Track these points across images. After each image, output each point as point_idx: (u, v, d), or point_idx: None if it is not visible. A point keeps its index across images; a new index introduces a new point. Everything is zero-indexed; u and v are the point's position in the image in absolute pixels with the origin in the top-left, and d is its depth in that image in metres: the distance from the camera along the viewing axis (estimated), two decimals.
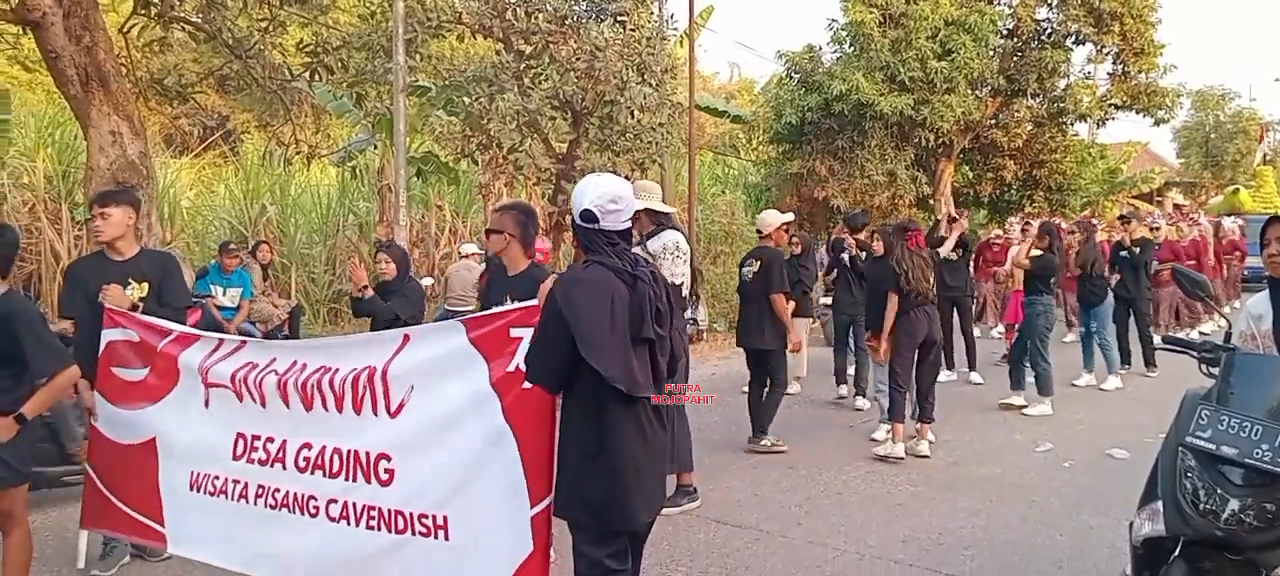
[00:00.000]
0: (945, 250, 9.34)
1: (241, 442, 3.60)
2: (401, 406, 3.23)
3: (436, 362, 3.20)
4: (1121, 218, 11.94)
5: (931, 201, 20.30)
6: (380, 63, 10.92)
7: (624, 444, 2.89)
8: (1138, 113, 21.15)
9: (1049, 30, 20.41)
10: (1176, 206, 25.76)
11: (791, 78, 20.15)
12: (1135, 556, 3.15)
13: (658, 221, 5.57)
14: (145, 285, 4.40)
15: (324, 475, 3.35)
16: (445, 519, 3.11)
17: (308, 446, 3.41)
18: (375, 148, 15.11)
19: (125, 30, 9.87)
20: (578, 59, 10.84)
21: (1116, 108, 21.02)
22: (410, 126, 12.53)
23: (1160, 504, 2.99)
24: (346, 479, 3.30)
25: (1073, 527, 5.30)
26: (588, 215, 2.94)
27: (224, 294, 9.01)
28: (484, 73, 11.15)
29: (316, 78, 10.73)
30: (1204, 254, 14.50)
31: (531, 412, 3.03)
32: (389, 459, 3.23)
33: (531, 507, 3.03)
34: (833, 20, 20.00)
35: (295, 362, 3.52)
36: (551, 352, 2.83)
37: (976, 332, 10.88)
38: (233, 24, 10.16)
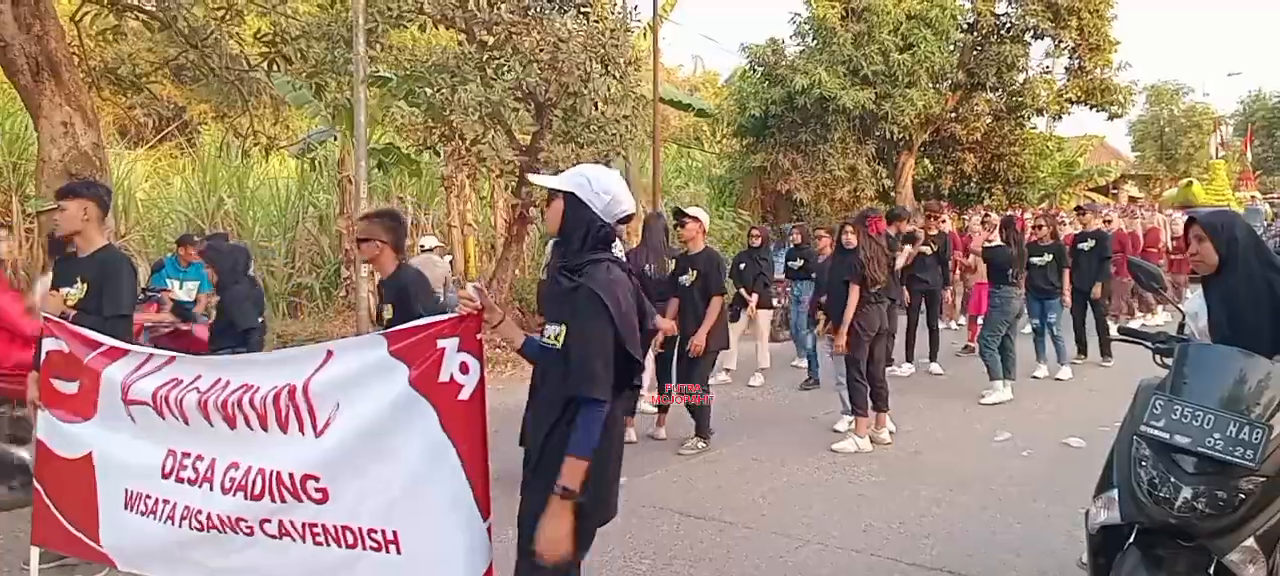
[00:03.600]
0: (899, 263, 9.36)
1: (170, 460, 3.46)
2: (327, 424, 3.12)
3: (360, 378, 3.09)
4: (1078, 209, 12.11)
5: (892, 194, 20.48)
6: (340, 53, 10.78)
7: (616, 438, 2.88)
8: (1093, 107, 21.53)
9: (1008, 25, 20.69)
10: (1131, 199, 26.22)
11: (755, 71, 20.22)
12: (1091, 543, 3.20)
13: None
14: (85, 285, 4.26)
15: (247, 497, 3.23)
16: (396, 533, 3.02)
17: (235, 466, 3.28)
18: (335, 139, 14.93)
19: (77, 18, 9.66)
20: (541, 50, 10.79)
21: (1073, 102, 21.38)
22: (371, 117, 12.39)
23: (1115, 492, 3.04)
24: (274, 500, 3.17)
25: (1030, 515, 5.38)
26: (626, 216, 2.93)
27: (181, 287, 8.84)
28: (446, 63, 11.05)
29: (275, 68, 10.58)
30: (1155, 245, 14.79)
31: (470, 425, 2.95)
32: (318, 479, 3.11)
33: (485, 519, 2.97)
34: (795, 14, 20.15)
35: (218, 380, 3.40)
36: (609, 362, 2.70)
37: (942, 325, 11.01)
38: (188, 12, 9.98)
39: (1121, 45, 20.99)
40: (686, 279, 6.96)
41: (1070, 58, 21.32)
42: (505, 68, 11.00)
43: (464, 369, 2.94)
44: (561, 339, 2.75)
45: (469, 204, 16.36)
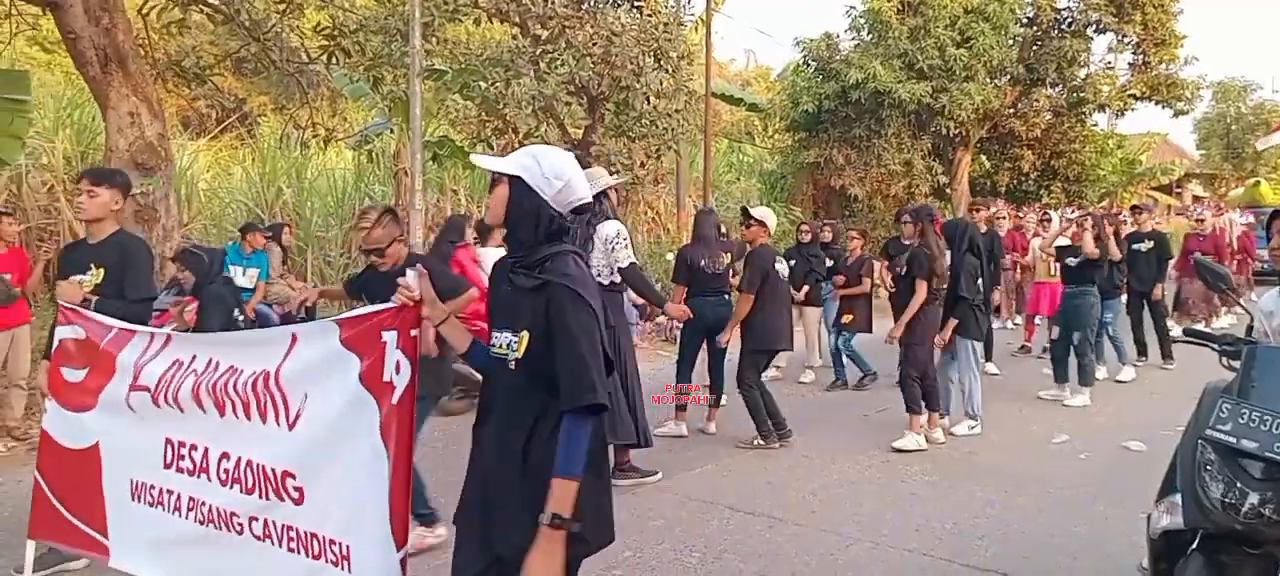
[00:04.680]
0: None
1: (170, 449, 3.31)
2: (298, 417, 2.89)
3: (320, 368, 2.85)
4: (1135, 208, 11.83)
5: (948, 190, 20.21)
6: (397, 46, 10.92)
7: (602, 449, 2.59)
8: (1158, 104, 21.02)
9: (1069, 19, 20.29)
10: (1196, 198, 25.56)
11: (809, 65, 20.06)
12: (1153, 548, 3.13)
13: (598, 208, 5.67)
14: (102, 270, 4.20)
15: (242, 490, 3.04)
16: (349, 548, 2.75)
17: (226, 456, 3.10)
18: (392, 132, 15.13)
19: (144, 12, 9.92)
20: (594, 44, 10.83)
21: (1136, 98, 20.90)
22: (426, 110, 12.52)
23: (1179, 496, 2.97)
24: (261, 497, 2.97)
25: (1088, 519, 5.28)
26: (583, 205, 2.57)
27: (243, 274, 9.04)
28: (500, 57, 11.15)
29: (334, 61, 10.75)
30: (1223, 246, 14.39)
31: (400, 435, 2.68)
32: (294, 476, 2.88)
33: (399, 549, 2.68)
34: (851, 7, 19.93)
35: (210, 361, 3.22)
36: (600, 363, 2.41)
37: (996, 324, 10.83)
38: (250, 6, 10.18)
39: (1187, 40, 20.46)
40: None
41: (1134, 53, 20.83)
42: (558, 62, 11.07)
43: (398, 368, 2.67)
44: (523, 346, 2.41)
45: None
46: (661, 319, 7.31)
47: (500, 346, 2.48)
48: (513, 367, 2.44)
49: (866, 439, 7.06)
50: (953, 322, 7.04)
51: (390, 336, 2.69)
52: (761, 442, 6.72)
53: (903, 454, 6.61)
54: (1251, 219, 18.07)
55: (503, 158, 2.57)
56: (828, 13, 56.29)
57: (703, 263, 6.96)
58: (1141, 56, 20.69)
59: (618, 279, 5.68)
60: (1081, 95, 20.59)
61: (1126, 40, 20.55)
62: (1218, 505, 2.78)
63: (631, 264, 5.67)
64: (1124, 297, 9.56)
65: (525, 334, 2.41)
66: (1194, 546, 2.94)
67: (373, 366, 2.70)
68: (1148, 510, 3.19)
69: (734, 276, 7.65)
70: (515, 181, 2.46)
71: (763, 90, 27.94)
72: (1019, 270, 12.61)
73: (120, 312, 3.99)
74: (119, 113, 8.19)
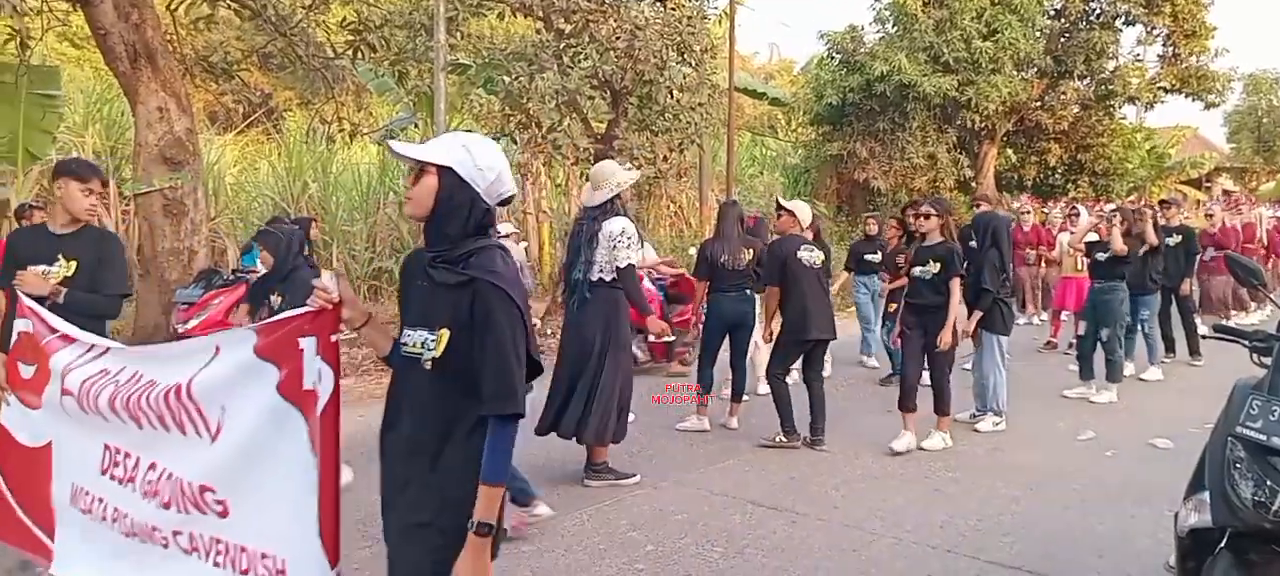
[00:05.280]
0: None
1: (107, 455, 3.14)
2: (219, 429, 2.73)
3: (236, 379, 2.69)
4: (1163, 202, 11.69)
5: (973, 184, 20.08)
6: (422, 41, 10.97)
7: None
8: (1188, 96, 20.76)
9: (1098, 10, 20.09)
10: (1226, 192, 25.23)
11: (833, 58, 19.99)
12: (1181, 546, 3.11)
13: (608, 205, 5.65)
14: (74, 264, 4.12)
15: (159, 504, 2.90)
16: (284, 563, 2.62)
17: (153, 467, 2.95)
18: (416, 126, 15.22)
19: (172, 8, 10.01)
20: (617, 38, 10.83)
21: (1166, 91, 20.65)
22: (450, 105, 12.59)
23: (1207, 494, 2.94)
24: (179, 510, 2.83)
25: (1114, 516, 5.23)
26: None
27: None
28: (524, 51, 11.18)
29: (359, 56, 10.81)
30: (1252, 241, 14.20)
31: (326, 447, 2.52)
32: (214, 490, 2.74)
33: (332, 568, 2.55)
34: (875, 0, 19.80)
35: (135, 374, 3.07)
36: (522, 368, 2.35)
37: (1021, 320, 10.74)
38: (277, 2, 10.26)
39: (1218, 31, 20.18)
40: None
41: (1163, 44, 20.58)
42: (582, 55, 11.07)
43: (320, 376, 2.52)
44: (441, 345, 2.31)
45: (544, 191, 16.53)
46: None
47: (413, 345, 2.37)
48: (428, 368, 2.33)
49: (891, 434, 7.02)
50: (977, 315, 6.98)
51: (308, 343, 2.52)
52: (783, 439, 6.65)
53: (927, 450, 6.58)
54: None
55: (425, 146, 2.45)
56: (852, 5, 55.85)
57: (723, 259, 6.94)
58: (1171, 48, 20.45)
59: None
60: (1110, 88, 20.37)
61: (1156, 32, 20.32)
62: (1247, 503, 2.75)
63: (629, 266, 5.54)
64: (1159, 293, 9.43)
65: (444, 332, 2.31)
66: (1222, 544, 2.91)
67: (291, 376, 2.54)
68: (1175, 508, 3.16)
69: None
70: (445, 172, 2.36)
71: (785, 84, 27.85)
72: (1044, 264, 12.51)
73: (89, 306, 3.98)
74: (148, 108, 8.28)
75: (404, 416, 2.42)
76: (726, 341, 7.20)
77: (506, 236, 11.18)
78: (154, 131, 8.29)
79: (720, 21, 16.34)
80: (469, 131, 15.19)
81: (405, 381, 2.44)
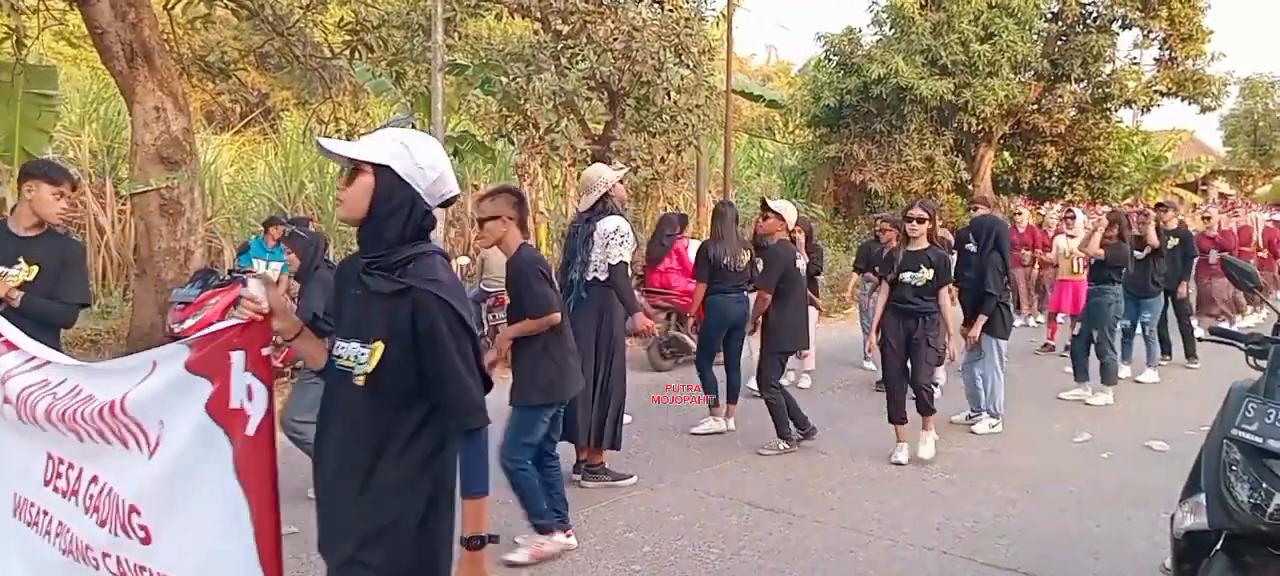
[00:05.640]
0: None
1: (50, 465, 2.92)
2: (157, 445, 2.50)
3: (169, 395, 2.45)
4: (1160, 205, 11.71)
5: (970, 187, 20.11)
6: (419, 41, 10.97)
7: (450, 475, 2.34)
8: (1184, 100, 20.82)
9: (1094, 14, 20.13)
10: (1222, 195, 25.29)
11: (830, 60, 20.01)
12: (1176, 548, 3.11)
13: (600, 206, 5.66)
14: (36, 268, 3.98)
15: (97, 521, 2.66)
16: None
17: (95, 481, 2.72)
18: (413, 126, 15.19)
19: (169, 7, 9.99)
20: (615, 39, 10.83)
21: (1162, 94, 20.69)
22: (448, 106, 12.58)
23: (1203, 496, 2.95)
24: (111, 531, 2.59)
25: (1110, 518, 5.24)
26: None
27: (267, 266, 9.12)
28: (521, 52, 11.18)
29: (356, 56, 10.80)
30: (1247, 244, 14.23)
31: (260, 473, 2.30)
32: (139, 513, 2.51)
33: None
34: (873, 2, 19.84)
35: (74, 388, 2.85)
36: (476, 376, 2.23)
37: (1017, 322, 10.73)
38: (274, 2, 10.25)
39: (1214, 35, 20.26)
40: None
41: (1160, 48, 20.63)
42: (579, 57, 11.08)
43: (250, 394, 2.29)
44: (374, 358, 2.16)
45: (541, 192, 16.50)
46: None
47: (346, 358, 2.22)
48: (360, 382, 2.18)
49: (887, 437, 7.02)
50: (982, 319, 6.97)
51: (237, 357, 2.29)
52: (785, 446, 6.59)
53: (925, 460, 6.40)
54: (1279, 216, 17.83)
55: (359, 143, 2.31)
56: (850, 7, 55.91)
57: (726, 260, 6.91)
58: (1168, 52, 20.50)
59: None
60: (1106, 91, 20.41)
61: (1152, 35, 20.36)
62: (1243, 506, 2.76)
63: (621, 263, 5.53)
64: (1161, 295, 9.45)
65: (378, 345, 2.16)
66: (1218, 547, 2.91)
67: (220, 393, 2.31)
68: (1171, 510, 3.16)
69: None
70: (382, 171, 2.20)
71: (783, 86, 27.86)
72: (1038, 266, 12.53)
73: (45, 313, 3.90)
74: (145, 107, 8.27)
75: (335, 433, 2.28)
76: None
77: None
78: (151, 131, 8.27)
79: (718, 23, 16.34)
80: (465, 132, 15.18)
81: (337, 396, 2.29)
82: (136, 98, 8.24)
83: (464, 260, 11.97)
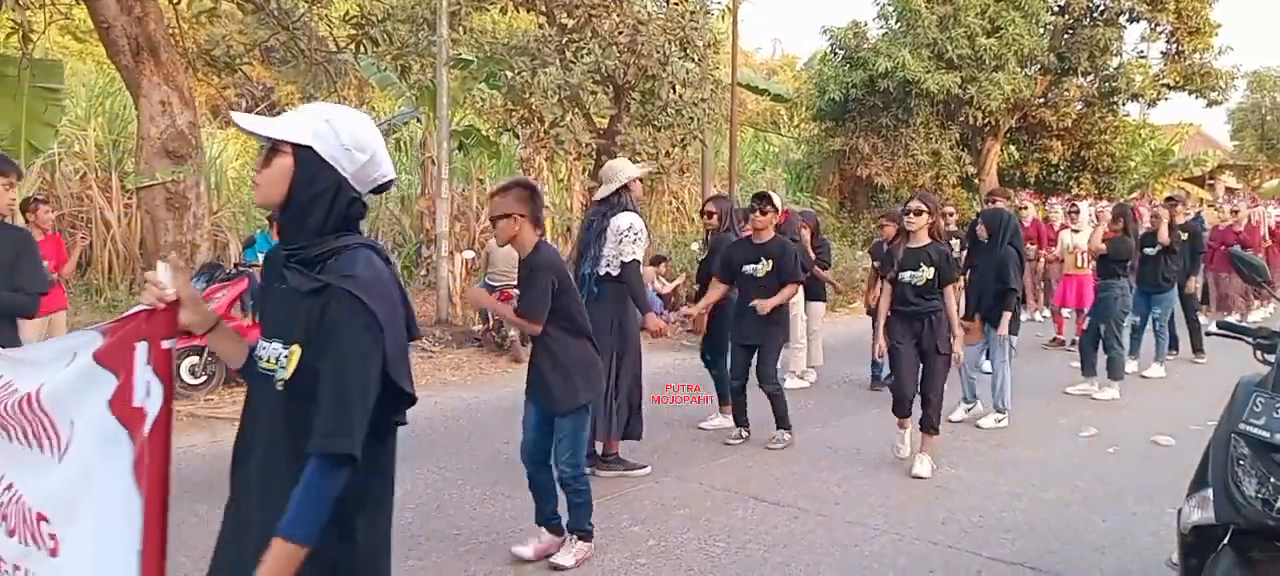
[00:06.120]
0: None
1: None
2: (67, 446, 2.26)
3: (78, 388, 2.21)
4: (1169, 199, 11.68)
5: (976, 181, 20.06)
6: (424, 35, 10.97)
7: (385, 509, 2.12)
8: (1191, 94, 20.74)
9: (1101, 7, 20.06)
10: (1229, 190, 25.19)
11: (836, 54, 19.97)
12: (1183, 543, 3.11)
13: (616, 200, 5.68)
14: None
15: (6, 531, 2.40)
16: None
17: (10, 488, 2.45)
18: (418, 121, 15.21)
19: (175, 1, 9.99)
20: (620, 33, 10.82)
21: (1170, 88, 20.61)
22: (453, 100, 12.59)
23: (1210, 491, 2.94)
24: (20, 541, 2.35)
25: (1116, 513, 5.23)
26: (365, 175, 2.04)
27: None
28: (526, 46, 11.17)
29: (361, 50, 10.80)
30: (1256, 240, 14.16)
31: (153, 479, 2.07)
32: (47, 520, 2.28)
33: None
34: None
35: (8, 382, 2.52)
36: (369, 402, 1.91)
37: (1023, 316, 10.70)
38: None
39: (1222, 29, 20.16)
40: (758, 268, 6.54)
41: (1167, 42, 20.56)
42: (584, 50, 11.07)
43: (148, 390, 2.10)
44: (292, 364, 1.91)
45: (547, 186, 16.50)
46: (688, 309, 7.11)
47: (267, 360, 1.97)
48: (281, 389, 1.93)
49: (892, 431, 7.02)
50: (1006, 317, 6.93)
51: (141, 349, 2.08)
52: (789, 438, 6.58)
53: (921, 478, 6.00)
54: None
55: (278, 119, 2.04)
56: (855, 1, 55.64)
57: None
58: (1175, 46, 20.42)
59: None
60: (1113, 85, 20.35)
61: (1160, 29, 20.29)
62: (1250, 500, 2.75)
63: (634, 260, 5.57)
64: (1174, 291, 9.44)
65: (296, 349, 1.91)
66: (1225, 542, 2.91)
67: (123, 389, 2.11)
68: (1177, 505, 3.16)
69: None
70: (303, 153, 1.95)
71: (788, 79, 27.80)
72: (1043, 261, 12.50)
73: (9, 304, 3.85)
74: (151, 101, 8.28)
75: (256, 446, 2.02)
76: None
77: None
78: (156, 125, 8.28)
79: (723, 17, 16.32)
80: (470, 126, 15.14)
81: (259, 402, 2.04)
82: (142, 92, 8.25)
83: (469, 254, 11.98)
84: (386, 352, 1.91)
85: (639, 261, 5.65)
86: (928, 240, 5.99)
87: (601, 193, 5.75)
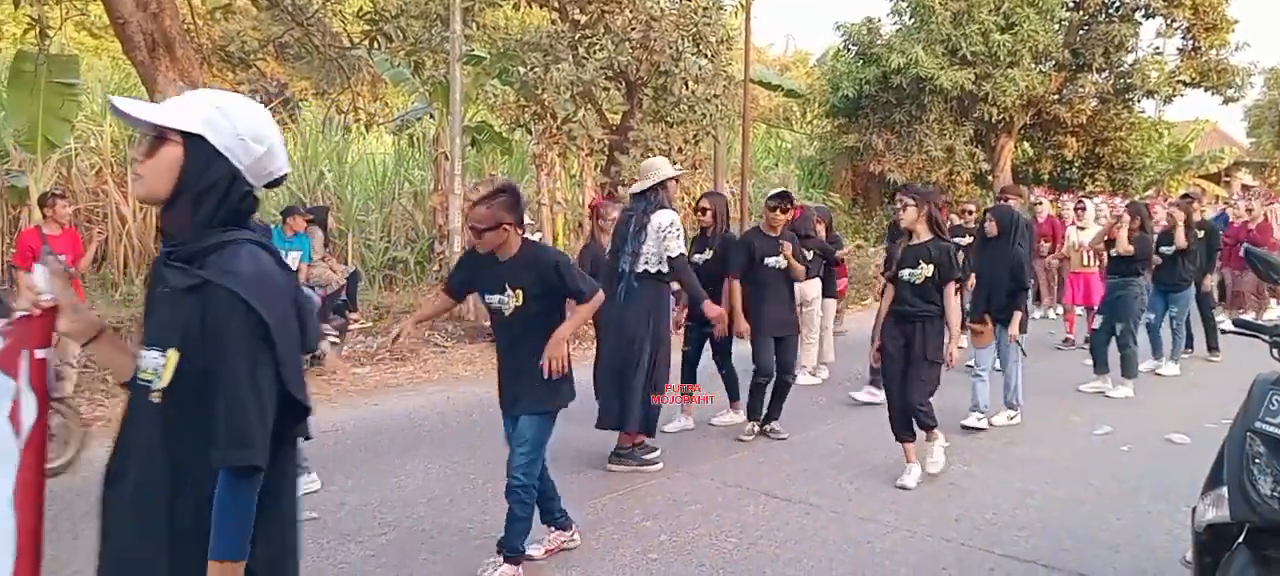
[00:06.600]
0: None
1: None
2: None
3: None
4: (1185, 196, 11.60)
5: (990, 177, 19.98)
6: (437, 31, 10.99)
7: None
8: (1207, 90, 20.59)
9: (1117, 3, 19.94)
10: (1244, 187, 25.01)
11: (849, 50, 19.91)
12: (1197, 542, 3.09)
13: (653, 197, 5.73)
14: None
15: None
16: None
17: None
18: (431, 116, 15.25)
19: None
20: (633, 29, 10.82)
21: (1185, 84, 20.47)
22: (466, 96, 12.61)
23: (1225, 489, 2.93)
24: None
25: (1130, 511, 5.21)
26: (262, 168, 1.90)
27: (285, 257, 9.17)
28: (539, 42, 11.18)
29: (375, 46, 10.83)
30: (1267, 235, 14.05)
31: (28, 494, 1.91)
32: None
33: None
34: None
35: None
36: (269, 406, 1.77)
37: (1037, 314, 10.68)
38: None
39: (1239, 24, 20.02)
40: (778, 262, 6.55)
41: (1183, 37, 20.41)
42: (597, 46, 11.07)
43: (21, 400, 1.92)
44: (168, 371, 1.75)
45: (559, 182, 16.51)
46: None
47: (145, 370, 1.80)
48: (157, 400, 1.77)
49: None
50: (1018, 315, 6.88)
51: (24, 356, 1.93)
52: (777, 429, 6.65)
53: (934, 475, 5.94)
54: None
55: (165, 105, 1.88)
56: None
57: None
58: (1191, 42, 20.27)
59: (665, 268, 5.72)
60: (1128, 81, 20.21)
61: (1176, 25, 20.14)
62: (1266, 499, 2.74)
63: (681, 255, 5.67)
64: (1191, 289, 9.39)
65: (172, 354, 1.75)
66: (1240, 540, 2.90)
67: (15, 396, 1.96)
68: (1192, 503, 3.14)
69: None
70: (194, 142, 1.80)
71: (801, 75, 27.74)
72: (1059, 259, 12.44)
73: None
74: (166, 97, 8.31)
75: (132, 465, 1.83)
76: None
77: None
78: None
79: (736, 13, 16.29)
80: (483, 122, 15.15)
81: (136, 417, 1.85)
82: (158, 87, 8.29)
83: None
84: (277, 357, 1.76)
85: (686, 255, 5.75)
86: (929, 236, 5.62)
87: (638, 187, 5.85)
